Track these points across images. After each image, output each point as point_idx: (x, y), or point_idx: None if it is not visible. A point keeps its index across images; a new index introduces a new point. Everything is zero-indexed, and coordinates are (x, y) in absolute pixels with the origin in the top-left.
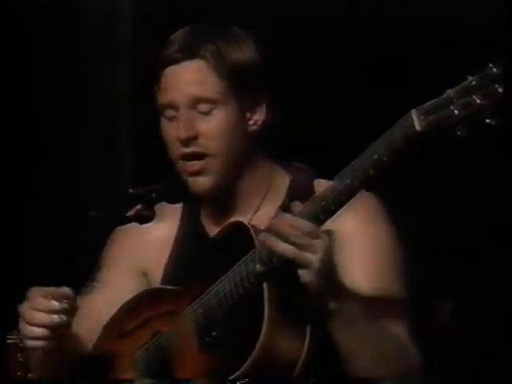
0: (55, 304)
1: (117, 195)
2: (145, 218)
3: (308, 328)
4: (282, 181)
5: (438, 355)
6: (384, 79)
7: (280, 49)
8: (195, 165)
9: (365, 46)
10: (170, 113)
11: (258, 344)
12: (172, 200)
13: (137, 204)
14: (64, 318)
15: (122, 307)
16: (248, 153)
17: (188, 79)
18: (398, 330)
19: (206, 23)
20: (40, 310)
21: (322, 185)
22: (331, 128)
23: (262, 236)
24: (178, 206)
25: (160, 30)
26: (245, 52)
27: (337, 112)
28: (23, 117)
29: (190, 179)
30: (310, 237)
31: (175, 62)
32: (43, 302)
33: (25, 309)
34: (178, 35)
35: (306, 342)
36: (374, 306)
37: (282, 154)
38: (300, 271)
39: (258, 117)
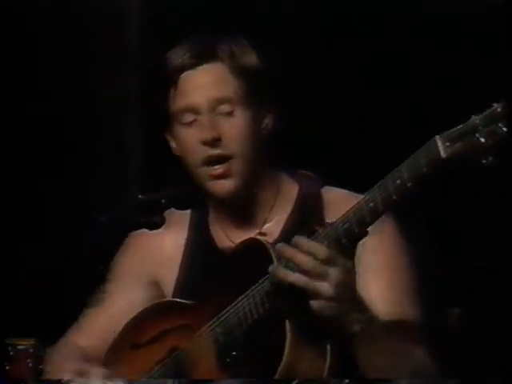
0: None
1: (126, 201)
2: (154, 224)
3: (328, 344)
4: (291, 189)
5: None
6: (388, 83)
7: (285, 54)
8: (219, 168)
9: (368, 48)
10: (188, 118)
11: (282, 363)
12: (181, 206)
13: (146, 210)
14: None
15: (133, 318)
16: (261, 158)
17: (207, 82)
18: (414, 346)
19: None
20: None
21: (330, 193)
22: (335, 134)
23: (271, 268)
24: (186, 213)
25: (169, 32)
26: (253, 57)
27: (341, 117)
28: (32, 120)
29: (212, 183)
30: (326, 263)
31: (192, 66)
32: None
33: None
34: (189, 42)
35: (328, 359)
36: (390, 327)
37: (288, 161)
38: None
39: (268, 122)
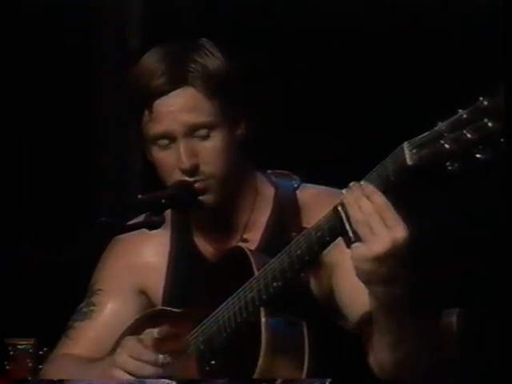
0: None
1: (126, 201)
2: (154, 224)
3: (306, 345)
4: (268, 190)
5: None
6: (370, 80)
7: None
8: (196, 184)
9: (350, 49)
10: (163, 142)
11: (257, 371)
12: (181, 206)
13: (146, 210)
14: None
15: (128, 328)
16: (239, 169)
17: (181, 108)
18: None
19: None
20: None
21: (305, 192)
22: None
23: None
24: (167, 218)
25: (169, 32)
26: (217, 58)
27: (318, 119)
28: (32, 119)
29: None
30: (381, 217)
31: (164, 93)
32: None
33: (129, 342)
34: (157, 64)
35: (306, 360)
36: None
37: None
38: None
39: (241, 131)
